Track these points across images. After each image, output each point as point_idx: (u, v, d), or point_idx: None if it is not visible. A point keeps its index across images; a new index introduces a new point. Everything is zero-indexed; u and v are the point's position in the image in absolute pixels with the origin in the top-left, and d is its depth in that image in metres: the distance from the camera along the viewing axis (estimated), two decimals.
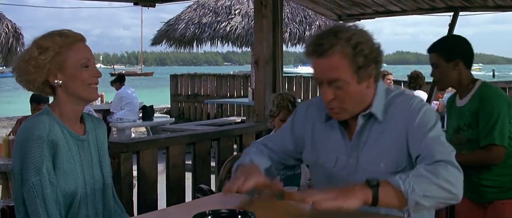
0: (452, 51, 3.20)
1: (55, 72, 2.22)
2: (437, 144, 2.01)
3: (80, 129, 2.35)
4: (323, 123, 2.28)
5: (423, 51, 3.44)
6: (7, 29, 9.83)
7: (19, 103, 26.35)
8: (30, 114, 6.15)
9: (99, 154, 2.40)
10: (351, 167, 2.18)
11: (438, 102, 8.44)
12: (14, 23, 10.08)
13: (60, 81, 2.23)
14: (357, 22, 6.54)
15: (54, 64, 2.20)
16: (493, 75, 61.48)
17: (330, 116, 2.22)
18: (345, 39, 2.04)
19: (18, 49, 9.98)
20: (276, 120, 3.88)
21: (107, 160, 2.45)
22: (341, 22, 6.40)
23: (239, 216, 1.74)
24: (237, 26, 11.59)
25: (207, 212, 1.76)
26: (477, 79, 3.24)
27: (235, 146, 5.68)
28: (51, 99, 2.38)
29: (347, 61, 2.04)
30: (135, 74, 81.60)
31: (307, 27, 11.56)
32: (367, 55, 2.06)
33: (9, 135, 5.96)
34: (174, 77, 15.51)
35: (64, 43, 2.21)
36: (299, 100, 12.21)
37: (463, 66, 3.19)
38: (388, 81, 7.73)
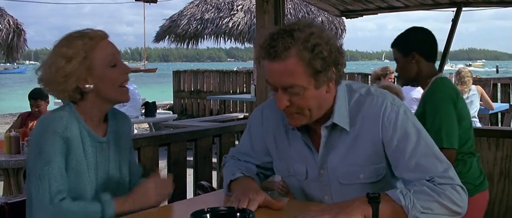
0: (407, 44, 3.08)
1: (84, 77, 2.14)
2: (429, 158, 1.91)
3: (102, 129, 2.27)
4: (283, 131, 2.13)
5: None
6: (8, 25, 9.83)
7: (10, 100, 26.43)
8: (30, 110, 6.18)
9: (120, 155, 2.32)
10: (324, 177, 2.07)
11: None
12: (16, 19, 10.08)
13: (92, 86, 2.15)
14: (359, 18, 6.51)
15: (82, 70, 2.13)
16: (497, 71, 61.37)
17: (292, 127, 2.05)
18: (301, 40, 1.84)
19: (20, 45, 9.98)
20: None
21: (127, 160, 2.37)
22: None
23: (238, 214, 1.72)
24: (240, 22, 11.58)
25: (206, 210, 1.74)
26: (437, 73, 3.12)
27: (236, 142, 5.66)
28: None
29: (303, 65, 1.84)
30: (138, 70, 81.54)
31: None
32: (326, 58, 1.85)
33: (10, 130, 5.96)
34: (177, 74, 15.49)
35: (88, 47, 2.14)
36: None
37: (422, 59, 3.06)
38: (390, 80, 7.67)
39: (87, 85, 2.15)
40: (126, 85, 2.23)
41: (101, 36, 2.19)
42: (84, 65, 2.13)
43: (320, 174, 2.07)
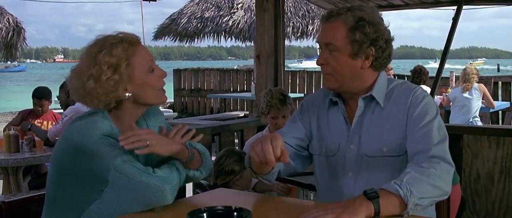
0: None
1: (125, 86, 2.05)
2: (431, 136, 2.05)
3: None
4: (326, 110, 2.29)
5: (428, 45, 3.38)
6: (8, 24, 9.80)
7: (11, 99, 26.31)
8: (31, 108, 6.16)
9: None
10: (352, 152, 2.19)
11: (441, 97, 8.39)
12: (16, 18, 10.05)
13: (130, 94, 2.06)
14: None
15: (124, 79, 2.04)
16: (498, 70, 61.21)
17: (334, 101, 2.26)
18: (353, 13, 2.12)
19: (20, 43, 9.96)
20: (267, 117, 3.91)
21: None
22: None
23: (235, 213, 1.71)
24: (240, 21, 11.57)
25: (202, 209, 1.72)
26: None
27: (236, 141, 5.65)
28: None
29: (345, 30, 2.11)
30: None
31: (310, 21, 11.53)
32: (367, 33, 2.11)
33: (8, 127, 5.95)
34: (177, 72, 15.48)
35: (129, 53, 2.04)
36: (303, 95, 12.19)
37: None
38: (390, 77, 7.63)
39: (126, 94, 2.06)
40: (164, 87, 2.16)
41: (138, 41, 2.11)
42: (127, 73, 2.04)
43: (350, 149, 2.19)
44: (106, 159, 1.95)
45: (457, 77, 8.59)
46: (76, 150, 1.98)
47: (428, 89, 7.00)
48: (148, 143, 1.93)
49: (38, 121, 6.07)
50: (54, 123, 6.05)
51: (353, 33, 2.10)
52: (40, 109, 6.03)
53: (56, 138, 5.24)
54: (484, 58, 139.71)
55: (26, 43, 10.33)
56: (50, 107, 6.25)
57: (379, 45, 2.13)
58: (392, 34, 2.19)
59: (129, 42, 2.07)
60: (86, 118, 2.07)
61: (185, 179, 2.14)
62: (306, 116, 2.36)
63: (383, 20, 2.19)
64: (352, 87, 2.19)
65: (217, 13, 11.81)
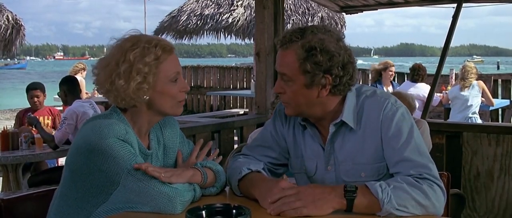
0: None
1: (145, 89, 2.04)
2: (417, 157, 1.98)
3: (147, 139, 2.19)
4: (300, 128, 2.22)
5: (427, 43, 3.36)
6: (7, 21, 9.79)
7: (10, 96, 26.28)
8: (28, 105, 6.18)
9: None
10: (331, 174, 2.15)
11: (441, 94, 8.38)
12: (15, 15, 10.04)
13: (147, 98, 2.05)
14: (359, 13, 6.49)
15: (150, 86, 2.03)
16: (498, 68, 61.14)
17: (303, 124, 2.18)
18: (305, 40, 2.00)
19: (19, 40, 9.96)
20: None
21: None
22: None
23: (234, 211, 1.70)
24: (240, 18, 11.55)
25: (201, 207, 1.72)
26: None
27: (236, 138, 5.65)
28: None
29: (297, 61, 2.00)
30: None
31: (310, 19, 11.51)
32: (319, 63, 1.98)
33: (15, 127, 5.96)
34: None
35: (159, 61, 2.04)
36: None
37: None
38: (391, 73, 7.66)
39: (144, 96, 2.05)
40: (183, 101, 2.14)
41: (170, 49, 2.09)
42: (152, 80, 2.04)
43: (327, 171, 2.16)
44: (120, 162, 1.94)
45: (456, 75, 8.58)
46: (90, 151, 1.98)
47: (427, 87, 7.00)
48: (162, 175, 1.93)
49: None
50: (49, 117, 6.10)
51: (304, 64, 1.99)
52: (36, 100, 6.04)
53: (63, 142, 5.27)
54: (477, 56, 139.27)
55: (25, 40, 10.34)
56: (52, 105, 6.27)
57: (334, 73, 2.01)
58: (351, 57, 2.06)
59: (162, 48, 2.05)
60: (102, 119, 2.05)
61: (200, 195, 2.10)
62: (280, 132, 2.28)
63: (341, 40, 2.06)
64: (311, 113, 2.11)
65: (217, 10, 11.79)
